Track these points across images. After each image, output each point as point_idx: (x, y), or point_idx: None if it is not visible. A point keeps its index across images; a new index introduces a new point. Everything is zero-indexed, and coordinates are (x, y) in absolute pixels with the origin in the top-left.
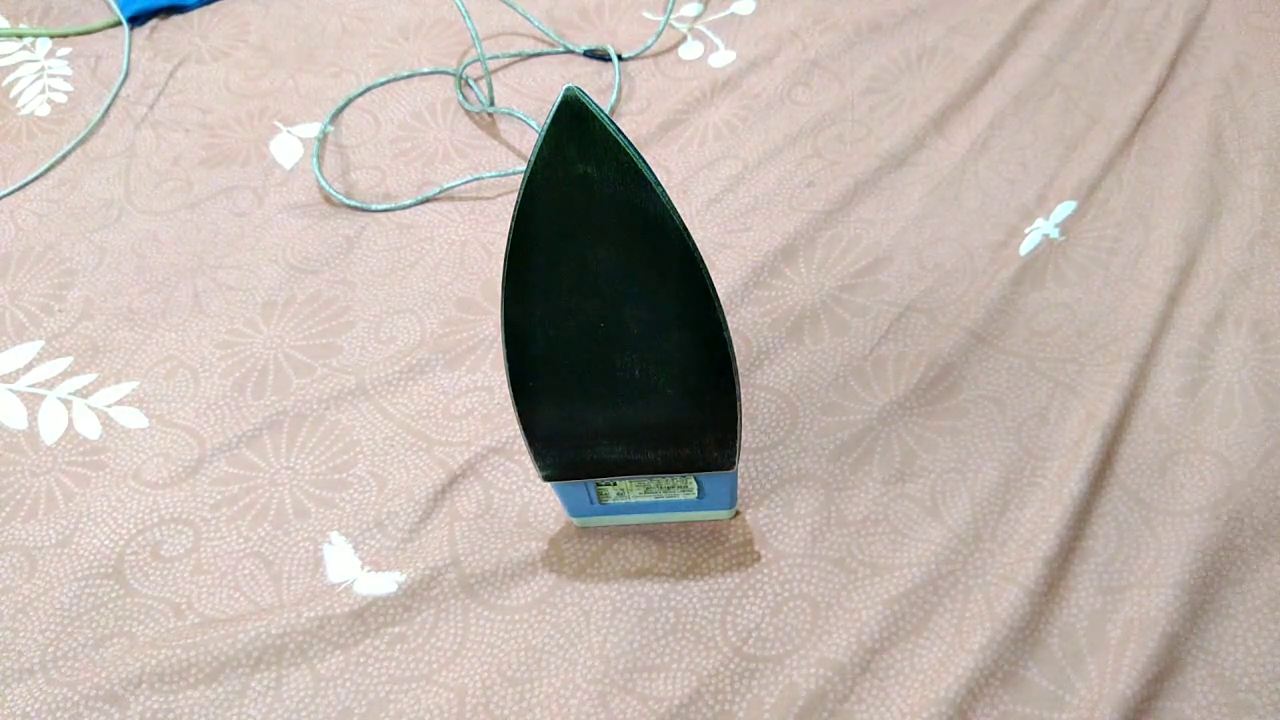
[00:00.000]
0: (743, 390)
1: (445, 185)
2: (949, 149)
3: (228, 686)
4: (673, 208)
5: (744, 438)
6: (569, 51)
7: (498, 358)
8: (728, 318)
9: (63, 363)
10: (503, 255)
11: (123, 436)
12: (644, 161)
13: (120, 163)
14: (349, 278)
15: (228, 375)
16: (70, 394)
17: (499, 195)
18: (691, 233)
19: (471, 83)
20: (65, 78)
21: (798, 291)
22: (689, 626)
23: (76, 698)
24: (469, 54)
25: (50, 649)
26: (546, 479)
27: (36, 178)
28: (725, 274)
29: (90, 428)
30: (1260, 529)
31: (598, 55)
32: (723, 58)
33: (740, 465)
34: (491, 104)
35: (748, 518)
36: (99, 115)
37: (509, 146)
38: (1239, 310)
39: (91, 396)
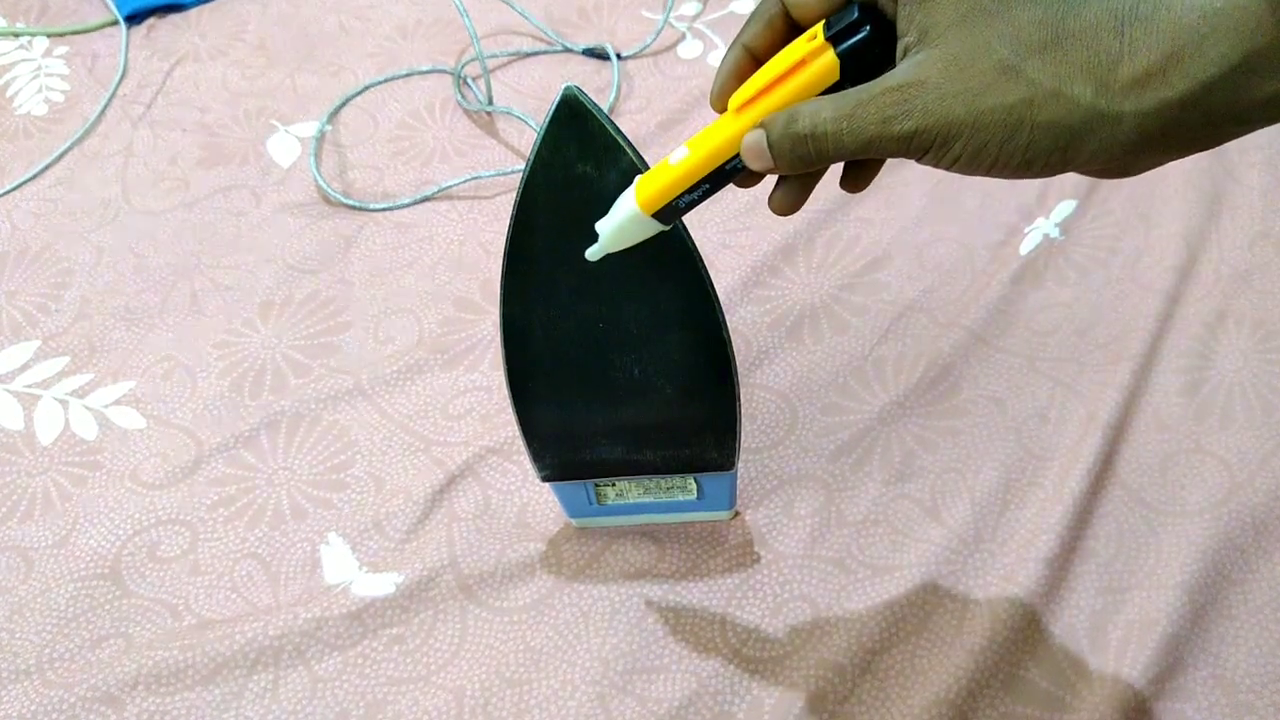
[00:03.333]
0: (742, 390)
1: (443, 184)
2: None
3: (225, 688)
4: None
5: (743, 438)
6: (567, 50)
7: (496, 358)
8: (727, 317)
9: (59, 362)
10: (501, 255)
11: (120, 437)
12: (643, 161)
13: (117, 162)
14: (347, 277)
15: (225, 375)
16: (67, 394)
17: (497, 194)
18: (691, 232)
19: (470, 81)
20: (62, 76)
21: (797, 291)
22: (688, 627)
23: (73, 699)
24: (467, 53)
25: (46, 650)
26: (545, 479)
27: (33, 177)
28: (725, 274)
29: (87, 428)
30: (1262, 529)
31: (596, 54)
32: (721, 56)
33: (740, 466)
34: (490, 103)
35: (747, 518)
36: (96, 114)
37: (507, 145)
38: (1240, 310)
39: (88, 396)
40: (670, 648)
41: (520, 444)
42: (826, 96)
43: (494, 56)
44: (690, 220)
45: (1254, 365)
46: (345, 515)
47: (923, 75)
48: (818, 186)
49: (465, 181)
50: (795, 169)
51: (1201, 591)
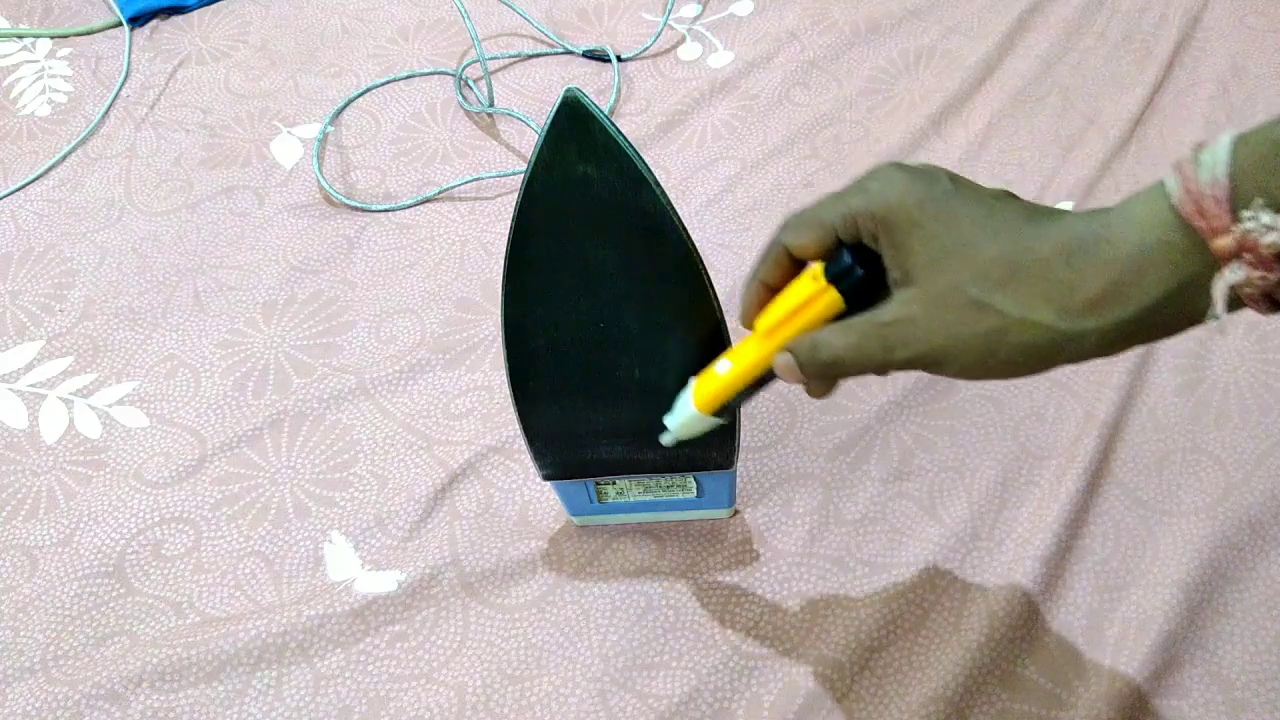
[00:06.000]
0: None
1: (445, 185)
2: (946, 149)
3: (228, 685)
4: (672, 208)
5: (742, 437)
6: (568, 52)
7: (497, 357)
8: (727, 318)
9: (63, 362)
10: (502, 255)
11: (123, 436)
12: (643, 162)
13: (121, 163)
14: (349, 277)
15: (228, 375)
16: (71, 394)
17: (499, 195)
18: (690, 233)
19: (471, 83)
20: (65, 78)
21: None
22: (688, 624)
23: (77, 696)
24: (468, 54)
25: (51, 648)
26: (546, 478)
27: (37, 178)
28: (724, 274)
29: (91, 427)
30: (1257, 528)
31: (597, 56)
32: (721, 58)
33: (739, 464)
34: (491, 104)
35: (746, 517)
36: (99, 115)
37: (508, 147)
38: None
39: (92, 396)
40: (670, 644)
41: (521, 443)
42: (838, 325)
43: (495, 58)
44: (689, 220)
45: (1250, 365)
46: (348, 513)
47: (909, 312)
48: (816, 187)
49: (467, 183)
50: (823, 382)
51: (1198, 589)
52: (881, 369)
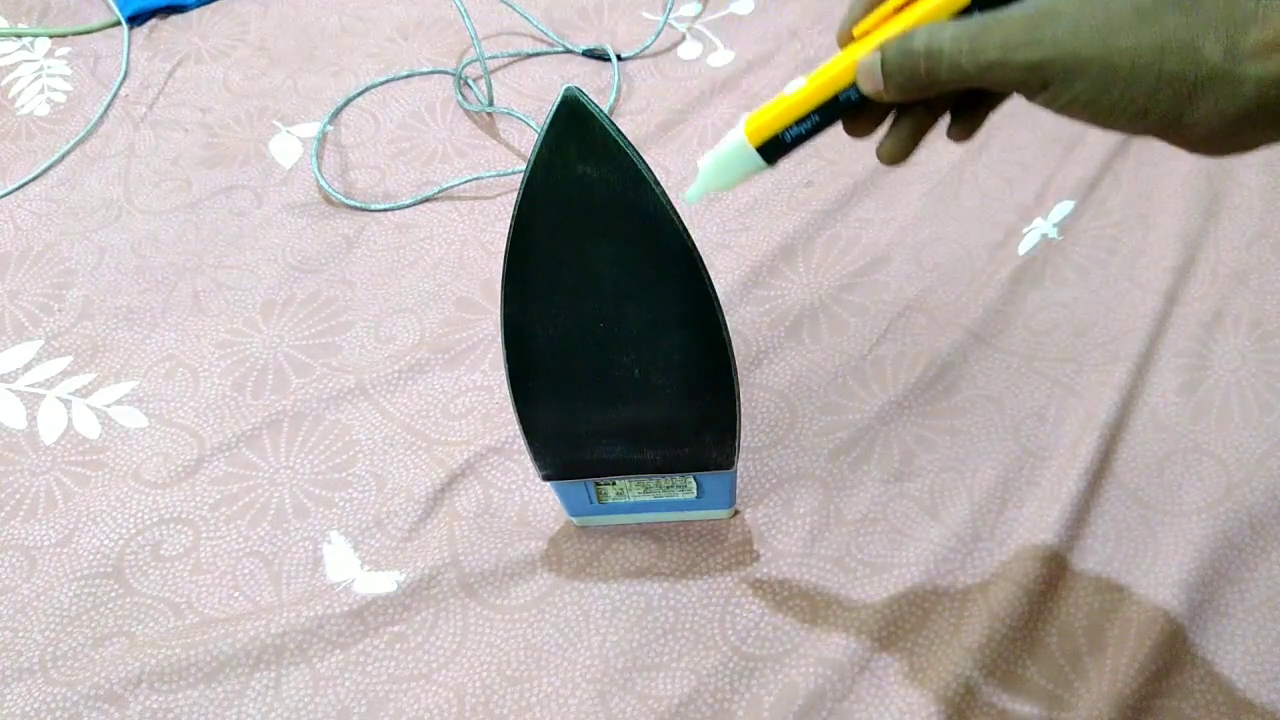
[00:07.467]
0: (742, 390)
1: (444, 185)
2: (948, 149)
3: (227, 686)
4: (672, 207)
5: (743, 437)
6: (568, 51)
7: (497, 357)
8: (727, 317)
9: (62, 362)
10: (502, 255)
11: (122, 436)
12: (643, 161)
13: (119, 162)
14: (348, 277)
15: (227, 375)
16: (69, 394)
17: (498, 195)
18: (691, 232)
19: (470, 82)
20: (64, 77)
21: (796, 291)
22: (688, 625)
23: (76, 697)
24: (468, 53)
25: (50, 648)
26: (546, 479)
27: (35, 177)
28: (724, 273)
29: (90, 427)
30: (1258, 528)
31: (597, 55)
32: (721, 57)
33: (739, 465)
34: (491, 104)
35: (746, 517)
36: (98, 115)
37: (508, 146)
38: (1237, 310)
39: (91, 396)
40: (670, 645)
41: (521, 443)
42: (952, 21)
43: (495, 57)
44: (690, 220)
45: (1251, 365)
46: (347, 514)
47: (1058, 6)
48: (817, 186)
49: (466, 182)
50: (904, 92)
51: (1199, 590)
52: (989, 76)
